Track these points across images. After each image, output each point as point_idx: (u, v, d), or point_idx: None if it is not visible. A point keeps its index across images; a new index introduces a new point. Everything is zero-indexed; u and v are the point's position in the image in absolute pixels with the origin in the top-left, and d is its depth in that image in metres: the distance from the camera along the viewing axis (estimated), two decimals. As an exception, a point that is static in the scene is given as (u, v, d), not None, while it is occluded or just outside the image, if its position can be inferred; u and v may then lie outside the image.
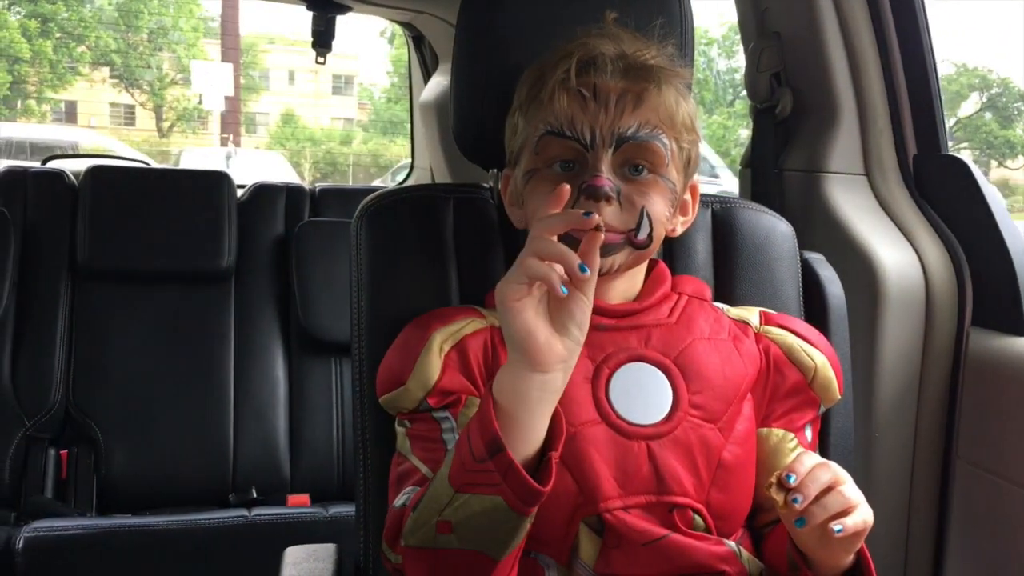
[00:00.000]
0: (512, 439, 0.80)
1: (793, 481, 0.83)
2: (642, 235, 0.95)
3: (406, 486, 0.94)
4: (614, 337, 0.99)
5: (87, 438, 2.16)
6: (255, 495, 2.16)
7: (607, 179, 0.92)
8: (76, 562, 1.83)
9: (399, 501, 0.92)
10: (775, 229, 1.18)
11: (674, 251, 1.14)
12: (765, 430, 1.01)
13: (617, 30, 0.98)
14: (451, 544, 0.84)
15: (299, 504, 2.11)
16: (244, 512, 1.95)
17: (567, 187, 0.83)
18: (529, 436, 0.82)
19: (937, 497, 1.49)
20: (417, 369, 0.95)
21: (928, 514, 1.50)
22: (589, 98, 0.94)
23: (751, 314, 1.06)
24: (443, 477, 0.84)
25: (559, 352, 0.81)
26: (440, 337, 0.96)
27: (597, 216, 0.80)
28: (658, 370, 0.97)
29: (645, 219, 0.95)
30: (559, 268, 0.78)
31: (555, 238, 0.80)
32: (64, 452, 2.15)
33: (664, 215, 0.97)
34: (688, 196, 1.04)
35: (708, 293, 1.08)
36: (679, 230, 1.05)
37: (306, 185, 2.58)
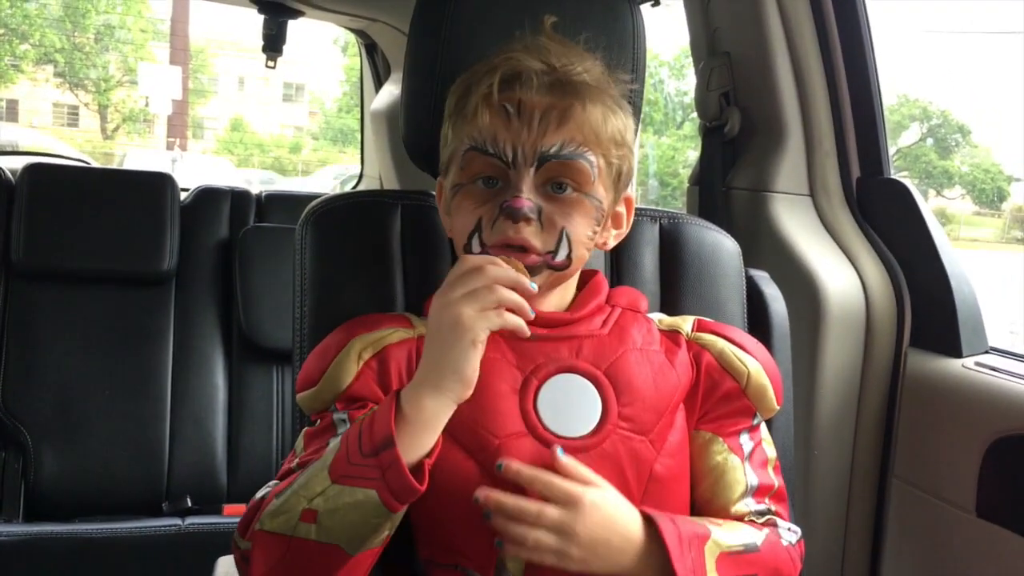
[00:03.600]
0: (405, 446, 0.83)
1: (501, 470, 0.86)
2: (560, 257, 0.95)
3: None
4: (544, 347, 0.97)
5: (16, 442, 2.09)
6: (190, 504, 2.11)
7: (527, 200, 0.92)
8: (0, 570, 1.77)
9: (260, 493, 0.91)
10: (721, 246, 1.19)
11: (621, 264, 1.15)
12: (695, 431, 1.01)
13: (548, 41, 0.97)
14: (309, 535, 0.84)
15: (236, 514, 2.06)
16: (178, 521, 1.91)
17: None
18: (423, 447, 0.85)
19: (873, 515, 1.51)
20: (330, 372, 0.95)
21: (864, 532, 1.52)
22: (513, 114, 0.93)
23: (685, 322, 1.05)
24: (322, 467, 0.85)
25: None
26: (360, 344, 0.96)
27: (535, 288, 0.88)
28: (588, 381, 0.96)
29: (564, 241, 0.95)
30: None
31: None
32: (-9, 456, 2.08)
33: (586, 235, 0.97)
34: (622, 208, 1.04)
35: (643, 304, 1.07)
36: (611, 243, 1.04)
37: (252, 190, 2.55)
